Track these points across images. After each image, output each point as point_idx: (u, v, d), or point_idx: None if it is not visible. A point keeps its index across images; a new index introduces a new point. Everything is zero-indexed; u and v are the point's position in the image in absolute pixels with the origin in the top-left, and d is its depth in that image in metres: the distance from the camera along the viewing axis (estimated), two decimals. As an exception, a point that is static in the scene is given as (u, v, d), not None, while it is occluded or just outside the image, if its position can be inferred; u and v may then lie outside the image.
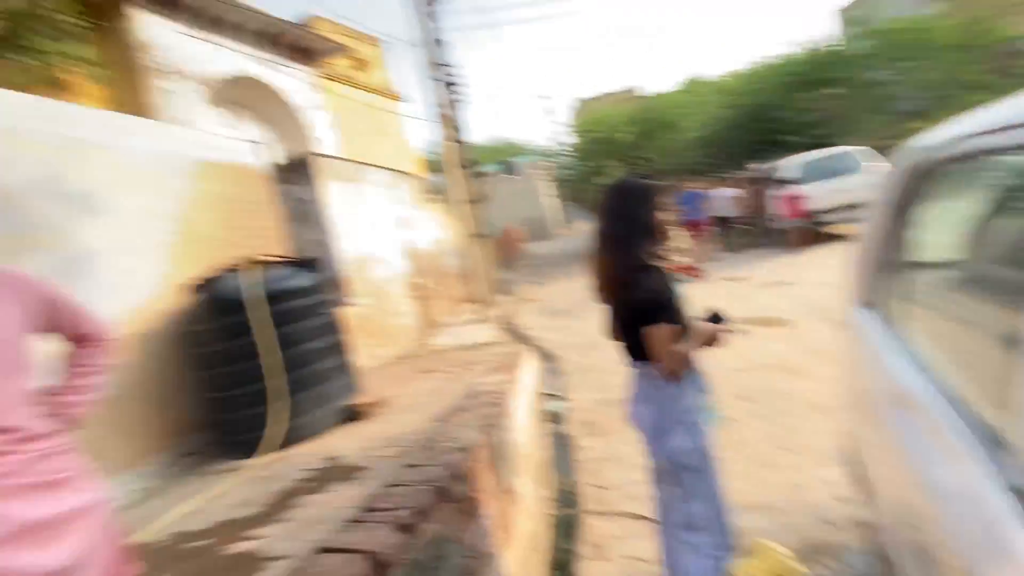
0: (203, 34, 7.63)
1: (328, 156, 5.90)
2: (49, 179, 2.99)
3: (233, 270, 3.51)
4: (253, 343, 3.22)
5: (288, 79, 9.10)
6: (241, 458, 3.26)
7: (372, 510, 1.71)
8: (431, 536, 1.66)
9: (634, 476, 2.83)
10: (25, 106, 2.96)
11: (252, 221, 4.49)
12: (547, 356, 5.67)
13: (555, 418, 4.04)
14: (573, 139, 27.91)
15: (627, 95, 38.62)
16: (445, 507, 1.79)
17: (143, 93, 6.64)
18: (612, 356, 1.95)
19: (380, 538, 1.53)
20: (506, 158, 30.09)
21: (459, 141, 9.16)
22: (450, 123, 9.19)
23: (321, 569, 1.48)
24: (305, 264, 3.67)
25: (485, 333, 6.55)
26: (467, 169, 9.19)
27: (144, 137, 3.64)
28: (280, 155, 8.91)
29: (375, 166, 7.04)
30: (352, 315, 5.36)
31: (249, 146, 4.70)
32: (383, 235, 6.63)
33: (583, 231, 21.98)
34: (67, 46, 5.50)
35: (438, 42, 9.21)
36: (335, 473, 2.69)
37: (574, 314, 7.24)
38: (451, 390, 3.74)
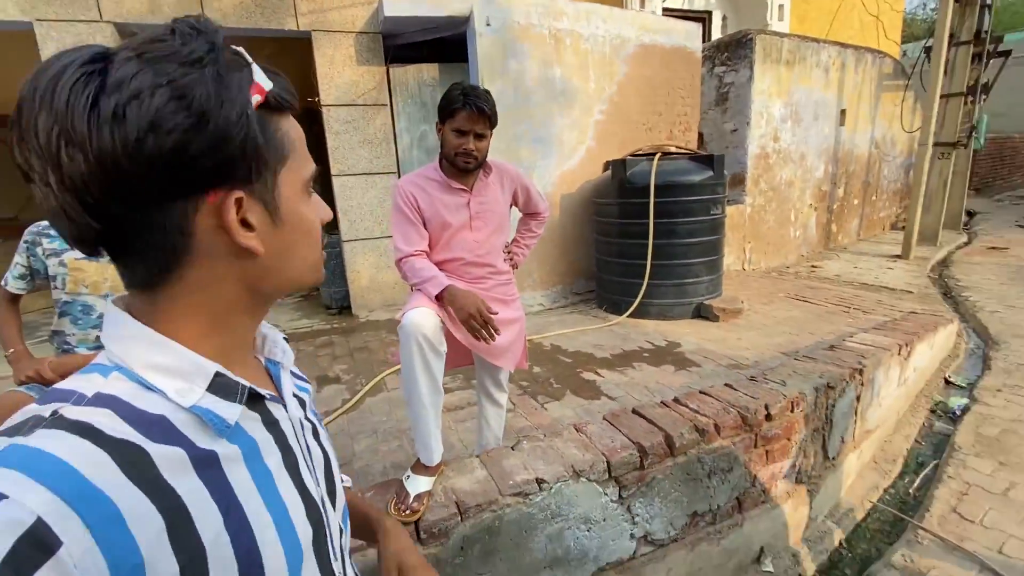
0: None
1: (771, 33, 5.31)
2: (540, 64, 3.96)
3: (642, 155, 3.96)
4: (644, 225, 3.71)
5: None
6: (609, 312, 4.07)
7: (680, 403, 1.99)
8: (718, 449, 1.84)
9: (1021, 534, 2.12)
10: (534, 3, 3.86)
11: (672, 106, 4.74)
12: (980, 336, 4.20)
13: (945, 414, 3.17)
14: None
15: None
16: (743, 434, 1.90)
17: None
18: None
19: (679, 426, 1.82)
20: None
21: (969, 2, 6.37)
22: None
23: (630, 424, 1.91)
24: (704, 160, 3.76)
25: (899, 277, 5.25)
26: (969, 44, 6.47)
27: (604, 23, 4.20)
28: (724, 30, 8.46)
29: (828, 43, 5.89)
30: (739, 214, 5.24)
31: (688, 28, 4.73)
32: (805, 130, 5.80)
33: None
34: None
35: None
36: (669, 357, 3.08)
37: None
38: (814, 329, 3.42)
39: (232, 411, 0.44)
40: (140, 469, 0.37)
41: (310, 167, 0.49)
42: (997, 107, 10.69)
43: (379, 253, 4.28)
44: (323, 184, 5.86)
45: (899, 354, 2.79)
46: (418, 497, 1.46)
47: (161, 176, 0.37)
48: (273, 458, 0.48)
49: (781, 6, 8.68)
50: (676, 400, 2.02)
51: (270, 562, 0.44)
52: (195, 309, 0.44)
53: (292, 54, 4.63)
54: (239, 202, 0.42)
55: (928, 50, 6.04)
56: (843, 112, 6.29)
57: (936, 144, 6.42)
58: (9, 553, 0.29)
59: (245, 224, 0.43)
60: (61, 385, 0.40)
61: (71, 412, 0.37)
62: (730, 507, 1.95)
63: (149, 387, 0.41)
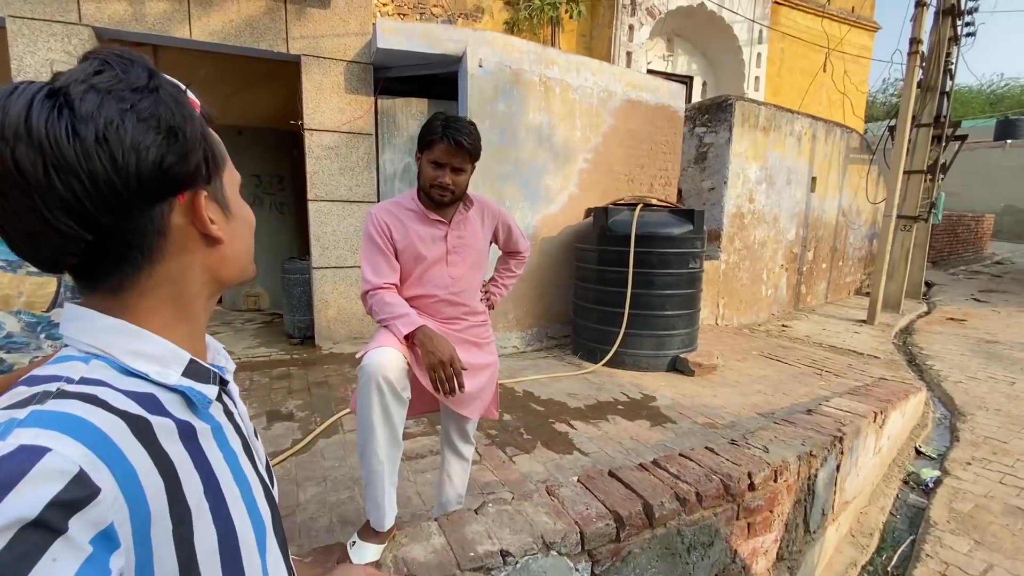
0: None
1: (750, 101, 5.54)
2: (529, 109, 3.98)
3: (624, 205, 3.97)
4: (623, 273, 3.67)
5: (737, 9, 8.64)
6: (583, 359, 3.95)
7: (659, 466, 1.86)
8: (699, 520, 1.70)
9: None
10: (527, 51, 3.92)
11: (654, 160, 4.83)
12: (946, 407, 4.24)
13: (918, 486, 3.12)
14: None
15: None
16: (726, 505, 1.77)
17: (605, 28, 7.64)
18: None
19: (659, 494, 1.68)
20: (1011, 112, 20.68)
21: (930, 89, 6.87)
22: (931, 63, 6.93)
23: (607, 489, 1.76)
24: (684, 214, 3.79)
25: (866, 341, 5.34)
26: (929, 127, 6.92)
27: (593, 75, 4.29)
28: (704, 94, 8.87)
29: (801, 114, 6.19)
30: (714, 270, 5.29)
31: (673, 88, 4.89)
32: (779, 193, 5.99)
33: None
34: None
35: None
36: (644, 411, 2.96)
37: (1032, 367, 4.99)
38: (788, 391, 3.37)
39: (211, 390, 0.49)
40: (146, 435, 0.41)
41: (237, 174, 0.55)
42: (951, 187, 11.44)
43: (350, 283, 4.10)
44: (299, 208, 5.69)
45: (875, 421, 2.74)
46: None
47: (145, 186, 0.42)
48: (235, 441, 0.52)
49: (757, 78, 9.21)
50: (655, 463, 1.88)
51: (242, 534, 0.47)
52: (163, 302, 0.47)
53: (277, 78, 4.56)
54: (204, 199, 0.48)
55: (892, 129, 6.41)
56: (814, 179, 6.55)
57: (899, 216, 6.72)
58: (60, 493, 0.33)
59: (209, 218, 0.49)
60: (41, 372, 0.41)
61: (73, 388, 0.39)
62: (708, 585, 1.79)
63: (131, 372, 0.44)
